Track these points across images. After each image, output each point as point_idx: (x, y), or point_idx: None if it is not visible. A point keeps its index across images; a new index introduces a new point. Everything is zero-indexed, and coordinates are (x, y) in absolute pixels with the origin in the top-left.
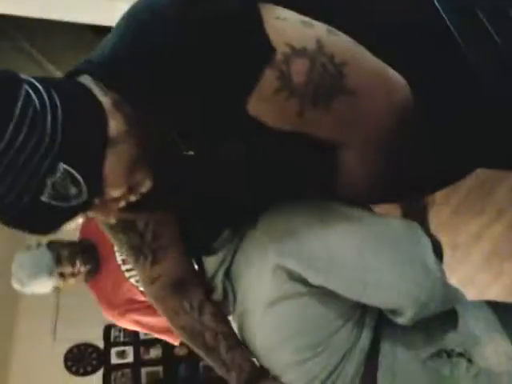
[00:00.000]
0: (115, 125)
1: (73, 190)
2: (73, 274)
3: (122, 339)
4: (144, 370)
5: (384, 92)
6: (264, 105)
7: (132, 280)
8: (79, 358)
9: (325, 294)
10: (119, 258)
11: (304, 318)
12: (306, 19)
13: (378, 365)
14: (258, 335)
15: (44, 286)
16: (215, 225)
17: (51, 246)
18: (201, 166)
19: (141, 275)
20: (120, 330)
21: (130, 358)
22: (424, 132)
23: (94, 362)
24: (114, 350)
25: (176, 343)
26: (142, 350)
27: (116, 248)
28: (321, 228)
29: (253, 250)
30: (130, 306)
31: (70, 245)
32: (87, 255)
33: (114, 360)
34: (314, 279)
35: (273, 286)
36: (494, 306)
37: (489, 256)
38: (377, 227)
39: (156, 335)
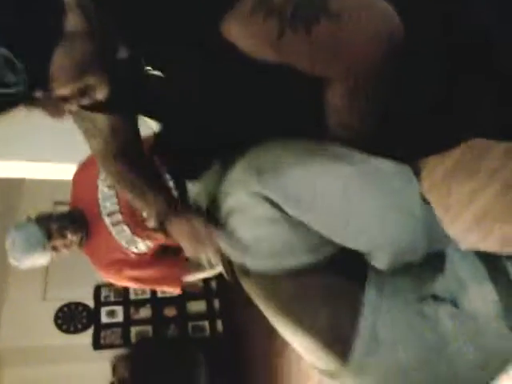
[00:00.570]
0: (73, 20)
1: (11, 77)
2: (65, 245)
3: (112, 299)
4: (134, 329)
5: (371, 18)
6: (241, 27)
7: (123, 242)
8: (69, 317)
9: (298, 224)
10: (108, 220)
11: (273, 243)
12: None
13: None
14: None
15: (39, 260)
16: (206, 154)
17: (40, 220)
18: (166, 86)
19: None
20: (110, 289)
21: (119, 318)
22: (415, 79)
23: (84, 321)
24: (104, 310)
25: (176, 292)
26: (131, 309)
27: (103, 208)
28: (309, 164)
29: (238, 173)
30: (122, 263)
31: (59, 217)
32: (77, 225)
33: (104, 319)
34: (294, 212)
35: (248, 206)
36: (482, 256)
37: (480, 218)
38: (366, 167)
39: (155, 287)
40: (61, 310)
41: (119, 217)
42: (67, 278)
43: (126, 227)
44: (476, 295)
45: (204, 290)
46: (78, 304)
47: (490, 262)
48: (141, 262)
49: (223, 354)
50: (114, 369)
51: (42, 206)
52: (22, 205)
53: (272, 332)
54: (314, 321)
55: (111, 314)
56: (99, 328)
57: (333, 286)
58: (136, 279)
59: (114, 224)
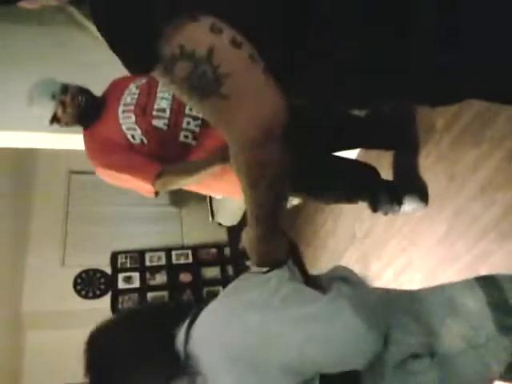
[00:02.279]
0: None
1: None
2: (72, 105)
3: (128, 265)
4: (150, 295)
5: (254, 104)
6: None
7: (124, 126)
8: (88, 283)
9: None
10: (121, 108)
11: None
12: (219, 25)
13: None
14: None
15: (45, 108)
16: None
17: (66, 84)
18: None
19: None
20: (126, 257)
21: (136, 283)
22: None
23: (102, 287)
24: (121, 276)
25: (148, 191)
26: (147, 275)
27: (123, 100)
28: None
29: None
30: (113, 144)
31: (82, 87)
32: (91, 97)
33: (121, 285)
34: None
35: None
36: (484, 281)
37: (484, 186)
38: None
39: (129, 174)
40: (79, 276)
41: (132, 107)
42: (84, 246)
43: (133, 115)
44: (445, 335)
45: (218, 256)
46: (95, 270)
47: (492, 284)
48: (128, 148)
49: None
50: None
51: (57, 175)
52: (38, 174)
53: None
54: None
55: (128, 279)
56: (117, 293)
57: None
58: (116, 166)
59: (124, 111)
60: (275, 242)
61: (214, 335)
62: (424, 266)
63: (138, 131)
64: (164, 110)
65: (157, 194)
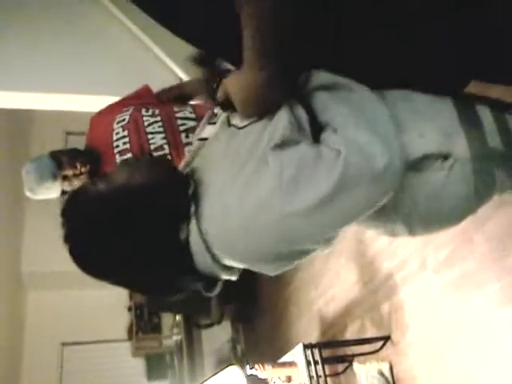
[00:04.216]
0: None
1: None
2: (75, 175)
3: None
4: None
5: None
6: None
7: None
8: None
9: None
10: (119, 159)
11: None
12: None
13: None
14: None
15: (52, 190)
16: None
17: (53, 153)
18: None
19: None
20: None
21: None
22: None
23: None
24: None
25: None
26: None
27: (115, 149)
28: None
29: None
30: None
31: (71, 150)
32: (86, 157)
33: None
34: None
35: None
36: (460, 102)
37: None
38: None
39: None
40: None
41: (130, 155)
42: None
43: None
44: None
45: None
46: None
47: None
48: None
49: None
50: (131, 294)
51: (53, 136)
52: (34, 136)
53: None
54: None
55: None
56: None
57: None
58: None
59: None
60: (281, 87)
61: (232, 239)
62: None
63: None
64: (162, 147)
65: None
